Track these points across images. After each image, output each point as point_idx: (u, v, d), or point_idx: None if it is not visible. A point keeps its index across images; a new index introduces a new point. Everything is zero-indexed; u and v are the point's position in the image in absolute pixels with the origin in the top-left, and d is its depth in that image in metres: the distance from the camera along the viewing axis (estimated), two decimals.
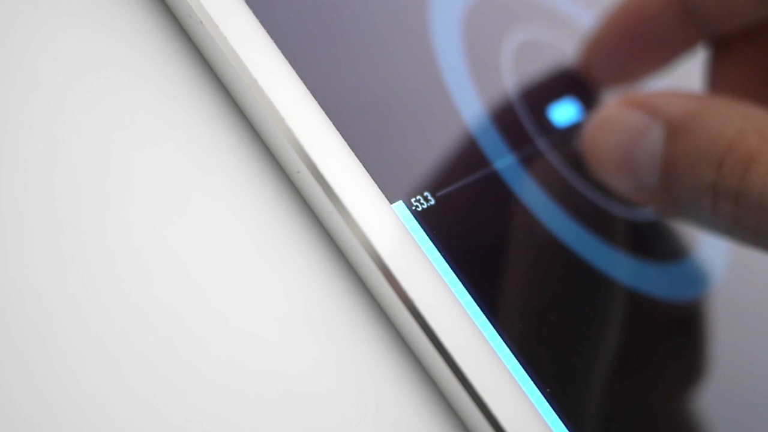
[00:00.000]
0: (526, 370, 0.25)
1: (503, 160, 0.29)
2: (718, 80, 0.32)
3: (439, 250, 0.25)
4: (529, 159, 0.29)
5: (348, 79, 0.27)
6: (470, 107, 0.29)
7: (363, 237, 0.24)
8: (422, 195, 0.26)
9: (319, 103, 0.25)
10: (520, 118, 0.30)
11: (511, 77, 0.31)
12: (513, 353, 0.25)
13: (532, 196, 0.29)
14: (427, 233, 0.25)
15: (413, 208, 0.26)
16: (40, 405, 0.21)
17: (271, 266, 0.24)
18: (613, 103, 0.29)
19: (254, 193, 0.24)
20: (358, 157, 0.25)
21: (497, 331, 0.25)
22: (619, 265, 0.30)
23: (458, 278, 0.25)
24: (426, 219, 0.26)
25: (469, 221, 0.27)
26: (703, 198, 0.27)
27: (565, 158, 0.30)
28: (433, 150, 0.27)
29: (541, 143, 0.30)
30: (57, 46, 0.23)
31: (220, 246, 0.24)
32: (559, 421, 0.25)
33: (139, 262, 0.23)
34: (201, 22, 0.24)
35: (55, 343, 0.21)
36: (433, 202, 0.26)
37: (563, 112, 0.32)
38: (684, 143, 0.27)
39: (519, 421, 0.24)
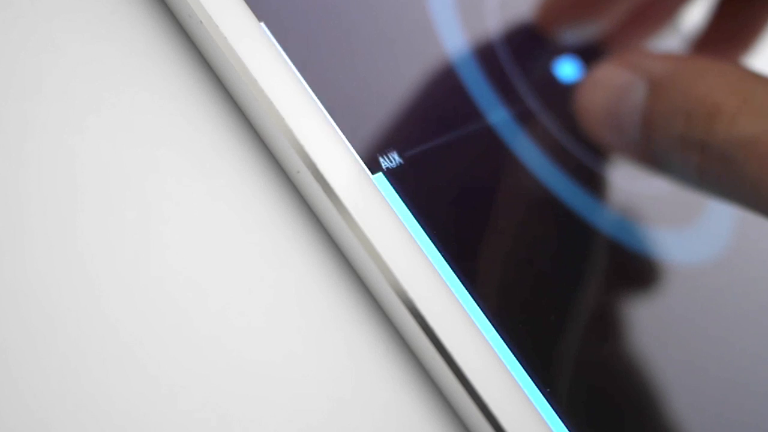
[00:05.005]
0: (525, 370, 0.25)
1: (496, 114, 0.29)
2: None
3: (434, 242, 0.25)
4: (524, 117, 0.30)
5: (349, 78, 0.26)
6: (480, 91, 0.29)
7: (363, 237, 0.24)
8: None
9: (319, 102, 0.25)
10: (512, 75, 0.31)
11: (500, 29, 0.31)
12: (513, 352, 0.25)
13: (529, 155, 0.29)
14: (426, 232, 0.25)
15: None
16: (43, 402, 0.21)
17: (270, 266, 0.24)
18: (605, 63, 0.30)
19: (254, 193, 0.24)
20: (359, 157, 0.25)
21: (497, 330, 0.25)
22: (625, 229, 0.30)
23: (461, 282, 0.25)
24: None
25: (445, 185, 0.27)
26: (674, 150, 0.28)
27: (559, 117, 0.31)
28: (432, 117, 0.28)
29: (534, 101, 0.31)
30: (56, 46, 0.23)
31: (220, 245, 0.24)
32: (559, 421, 0.25)
33: (139, 262, 0.23)
34: (201, 22, 0.24)
35: (46, 341, 0.21)
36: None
37: (564, 70, 0.32)
38: (661, 99, 0.28)
39: (519, 420, 0.24)
